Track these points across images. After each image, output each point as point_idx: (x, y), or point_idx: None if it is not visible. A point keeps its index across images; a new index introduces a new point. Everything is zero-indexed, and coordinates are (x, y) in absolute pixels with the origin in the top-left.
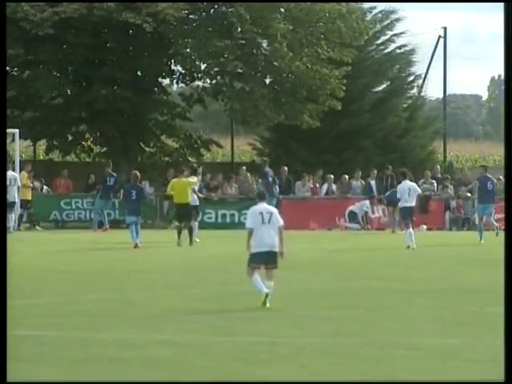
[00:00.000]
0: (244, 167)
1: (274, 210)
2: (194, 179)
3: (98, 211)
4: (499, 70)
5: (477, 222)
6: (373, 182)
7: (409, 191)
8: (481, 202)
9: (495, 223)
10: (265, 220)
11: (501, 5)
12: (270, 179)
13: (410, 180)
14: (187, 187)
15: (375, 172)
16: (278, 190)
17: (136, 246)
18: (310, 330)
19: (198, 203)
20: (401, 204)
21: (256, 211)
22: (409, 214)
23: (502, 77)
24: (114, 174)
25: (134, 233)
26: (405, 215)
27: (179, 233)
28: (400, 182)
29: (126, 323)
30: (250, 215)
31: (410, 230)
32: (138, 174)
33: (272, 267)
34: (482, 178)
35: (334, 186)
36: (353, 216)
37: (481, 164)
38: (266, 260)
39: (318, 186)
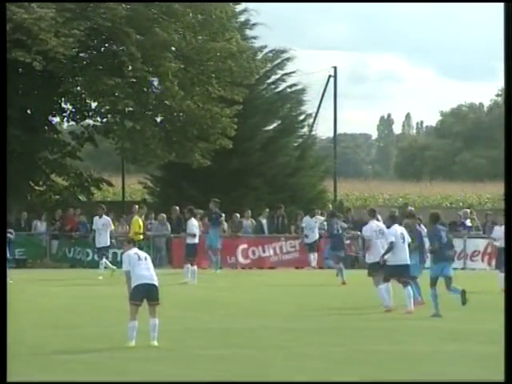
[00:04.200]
0: (136, 206)
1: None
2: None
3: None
4: (388, 109)
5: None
6: (264, 221)
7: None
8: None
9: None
10: (141, 257)
11: (392, 43)
12: None
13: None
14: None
15: (267, 211)
16: None
17: None
18: (202, 369)
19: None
20: (189, 241)
21: (130, 254)
22: (194, 251)
23: (392, 116)
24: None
25: None
26: (191, 252)
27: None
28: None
29: (14, 363)
30: (125, 258)
31: (192, 266)
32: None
33: (155, 303)
34: (331, 222)
35: (225, 225)
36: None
37: (331, 211)
38: (147, 294)
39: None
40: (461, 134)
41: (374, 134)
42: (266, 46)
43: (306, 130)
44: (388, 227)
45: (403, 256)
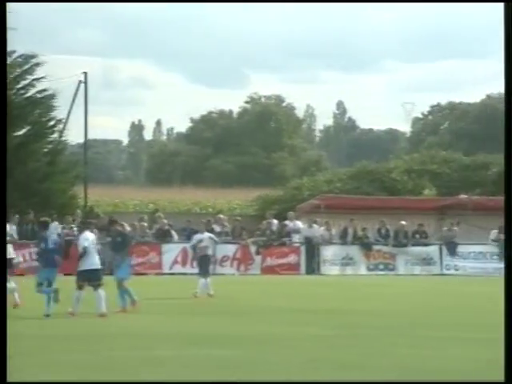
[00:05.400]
0: None
1: None
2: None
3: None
4: (139, 115)
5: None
6: (14, 228)
7: None
8: None
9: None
10: None
11: (143, 49)
12: None
13: None
14: None
15: (17, 217)
16: None
17: None
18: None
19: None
20: None
21: None
22: None
23: (142, 122)
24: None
25: None
26: None
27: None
28: None
29: None
30: None
31: None
32: None
33: None
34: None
35: None
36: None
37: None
38: None
39: None
40: (211, 140)
41: (125, 140)
42: (14, 51)
43: (56, 135)
44: (80, 233)
45: (95, 261)
